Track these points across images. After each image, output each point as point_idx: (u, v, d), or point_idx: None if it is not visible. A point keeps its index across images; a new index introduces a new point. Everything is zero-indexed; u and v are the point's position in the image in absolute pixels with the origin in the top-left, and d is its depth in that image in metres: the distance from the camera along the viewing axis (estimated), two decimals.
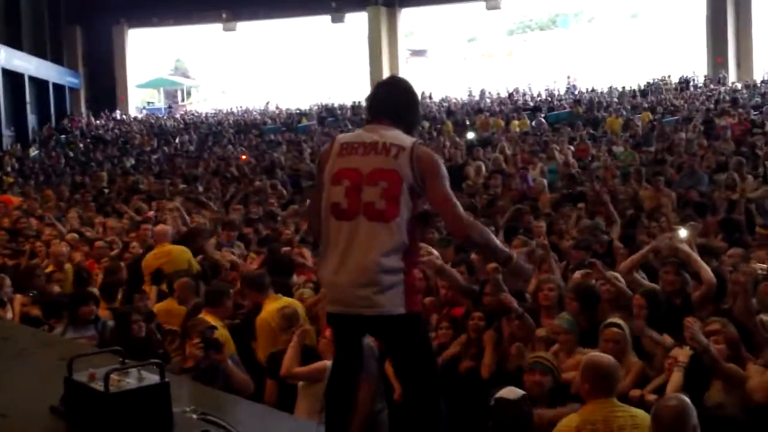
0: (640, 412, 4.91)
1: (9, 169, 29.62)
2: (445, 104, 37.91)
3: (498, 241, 4.11)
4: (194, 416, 3.48)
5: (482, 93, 39.79)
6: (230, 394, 5.28)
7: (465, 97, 40.15)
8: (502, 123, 28.94)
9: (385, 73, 42.80)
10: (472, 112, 33.57)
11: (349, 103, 40.40)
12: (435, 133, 27.77)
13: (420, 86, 43.01)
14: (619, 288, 6.75)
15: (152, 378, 3.30)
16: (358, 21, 44.67)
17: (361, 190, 3.67)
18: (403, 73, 44.41)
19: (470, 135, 26.88)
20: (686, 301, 6.63)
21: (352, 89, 44.73)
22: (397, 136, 3.80)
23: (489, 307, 6.73)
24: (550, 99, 35.90)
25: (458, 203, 3.90)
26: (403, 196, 3.66)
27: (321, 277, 3.98)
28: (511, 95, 37.99)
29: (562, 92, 38.32)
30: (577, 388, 5.24)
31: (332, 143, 3.87)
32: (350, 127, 33.27)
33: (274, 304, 7.17)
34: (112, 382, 3.21)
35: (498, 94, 39.15)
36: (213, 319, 6.93)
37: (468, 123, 30.03)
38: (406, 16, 45.21)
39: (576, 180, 14.58)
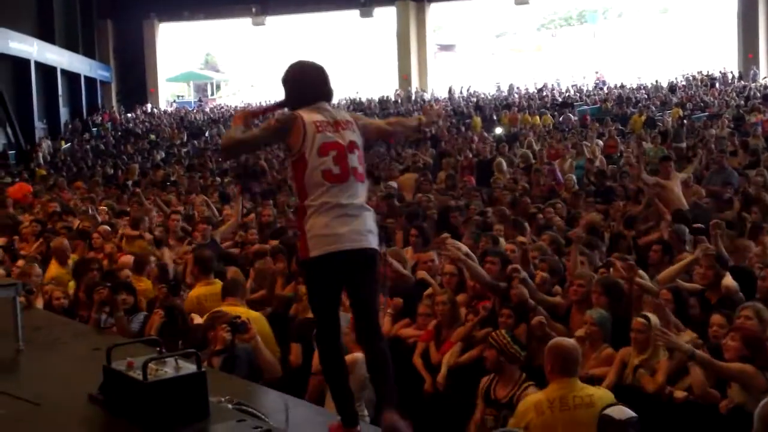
0: (599, 391, 5.19)
1: (41, 161, 29.93)
2: (474, 99, 37.87)
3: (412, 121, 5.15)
4: (229, 406, 3.55)
5: (510, 88, 39.70)
6: (262, 386, 5.36)
7: (493, 92, 40.07)
8: (530, 118, 28.90)
9: (414, 68, 42.83)
10: (501, 107, 33.51)
11: (377, 98, 40.41)
12: (463, 128, 27.77)
13: (448, 81, 43.07)
14: (642, 285, 6.76)
15: (189, 367, 3.36)
16: (386, 16, 44.65)
17: (346, 158, 4.35)
18: (431, 68, 44.42)
19: (498, 130, 26.88)
20: (722, 298, 6.63)
21: (381, 84, 44.75)
22: (340, 112, 4.60)
23: (515, 303, 6.78)
24: (578, 94, 35.78)
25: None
26: (363, 158, 4.51)
27: (322, 225, 4.29)
28: (539, 90, 37.88)
29: (591, 88, 38.16)
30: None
31: (299, 119, 4.40)
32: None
33: None
34: (150, 371, 3.27)
35: (526, 89, 39.04)
36: (239, 308, 7.07)
37: (496, 118, 29.99)
38: (435, 10, 45.15)
39: (604, 176, 14.57)
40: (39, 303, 8.27)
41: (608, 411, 4.67)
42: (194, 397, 3.32)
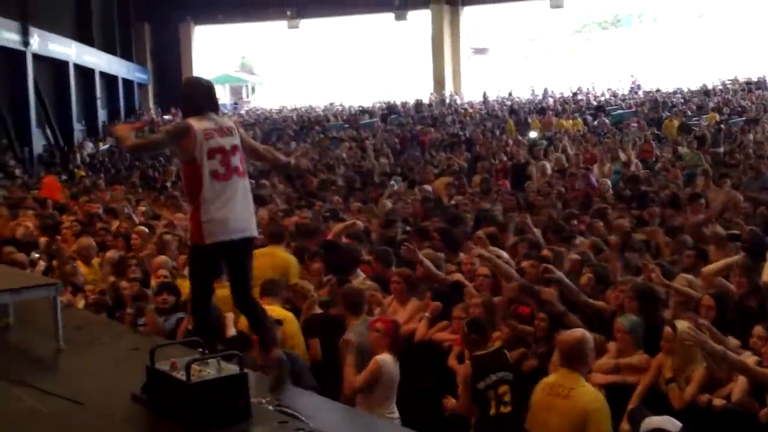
0: (585, 390, 5.39)
1: (80, 162, 30.23)
2: (508, 103, 37.77)
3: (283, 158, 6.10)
4: (270, 407, 3.59)
5: (545, 92, 39.55)
6: (300, 388, 5.40)
7: (528, 96, 39.94)
8: (565, 123, 28.77)
9: (447, 71, 42.80)
10: (535, 111, 33.41)
11: (411, 101, 40.41)
12: (498, 132, 27.72)
13: (482, 84, 43.00)
14: (680, 291, 6.72)
15: (231, 369, 3.40)
16: (420, 19, 44.66)
17: (229, 159, 5.18)
18: (465, 71, 44.36)
19: (533, 134, 26.80)
20: (762, 306, 6.59)
21: (415, 87, 44.75)
22: (225, 120, 5.40)
23: (550, 306, 6.76)
24: (613, 98, 35.57)
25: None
26: (244, 158, 5.34)
27: (212, 217, 5.09)
28: (574, 94, 37.70)
29: (626, 92, 37.91)
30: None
31: (191, 129, 5.16)
32: (413, 123, 33.42)
33: None
34: (193, 371, 3.31)
35: (561, 93, 38.87)
36: (274, 307, 7.11)
37: (530, 122, 29.90)
38: (469, 14, 45.06)
39: (640, 180, 14.49)
40: (80, 303, 8.38)
41: (658, 423, 4.71)
42: (236, 398, 3.36)
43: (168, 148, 5.79)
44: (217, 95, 5.56)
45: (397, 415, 6.38)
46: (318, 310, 7.66)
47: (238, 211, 5.16)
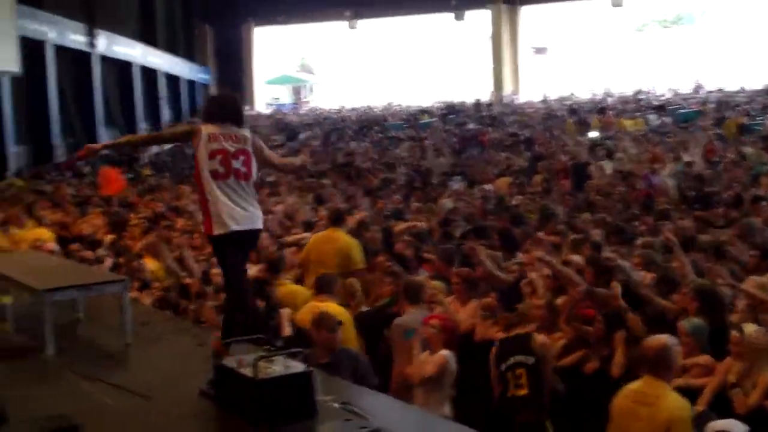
0: (673, 398, 5.19)
1: (145, 162, 30.68)
2: (568, 102, 37.48)
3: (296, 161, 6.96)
4: (335, 405, 3.63)
5: (605, 91, 39.15)
6: (362, 387, 5.45)
7: (588, 96, 39.58)
8: (626, 122, 28.45)
9: (507, 71, 42.61)
10: (595, 110, 33.10)
11: (470, 101, 40.30)
12: (558, 132, 27.53)
13: (541, 84, 42.72)
14: (749, 293, 6.63)
15: (297, 366, 3.45)
16: (479, 18, 44.52)
17: (230, 162, 5.67)
18: (524, 71, 44.12)
19: (593, 134, 26.55)
20: None
21: (474, 86, 44.62)
22: (240, 131, 5.84)
23: (610, 307, 6.73)
24: (675, 98, 35.08)
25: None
26: (251, 165, 5.74)
27: (222, 215, 5.56)
28: (635, 94, 37.26)
29: (688, 91, 37.37)
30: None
31: (198, 130, 5.78)
32: (472, 123, 33.33)
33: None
34: (260, 368, 3.37)
35: (621, 92, 38.44)
36: (330, 304, 7.21)
37: (591, 122, 29.64)
38: (528, 13, 44.77)
39: (703, 181, 14.31)
40: (147, 299, 8.55)
41: (722, 426, 4.67)
42: (302, 396, 3.40)
43: (176, 142, 6.10)
44: (238, 107, 6.09)
45: (449, 411, 6.43)
46: (364, 308, 7.76)
47: (235, 206, 5.62)
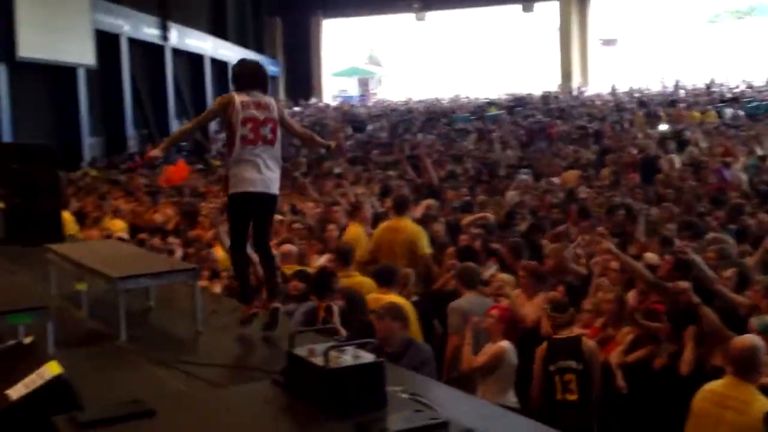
0: (763, 402, 4.95)
1: (215, 153, 31.09)
2: (637, 95, 36.96)
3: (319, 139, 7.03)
4: (404, 396, 3.67)
5: (676, 83, 38.52)
6: (427, 378, 5.48)
7: (658, 88, 38.98)
8: (698, 115, 27.97)
9: (575, 63, 42.18)
10: (666, 103, 32.58)
11: (538, 93, 40.00)
12: (627, 125, 27.19)
13: (610, 76, 42.18)
14: None
15: (368, 357, 3.49)
16: (548, 10, 44.15)
17: (259, 129, 6.15)
18: (593, 63, 43.62)
19: (663, 127, 26.16)
20: None
21: (542, 78, 44.27)
22: (266, 98, 6.30)
23: (681, 303, 6.64)
24: (749, 90, 34.35)
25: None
26: (276, 131, 6.25)
27: (236, 173, 6.14)
28: (707, 86, 36.57)
29: (762, 83, 36.54)
30: None
31: (233, 98, 6.17)
32: (539, 116, 33.07)
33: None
34: (331, 358, 3.42)
35: (693, 84, 37.77)
36: (391, 296, 7.27)
37: (661, 114, 29.18)
38: (597, 4, 44.29)
39: None
40: (218, 287, 8.67)
41: None
42: (373, 386, 3.44)
43: (215, 118, 6.78)
44: (265, 74, 6.56)
45: (515, 400, 6.44)
46: (414, 298, 7.82)
47: (259, 171, 6.15)
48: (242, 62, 6.64)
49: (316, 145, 7.12)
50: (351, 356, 3.51)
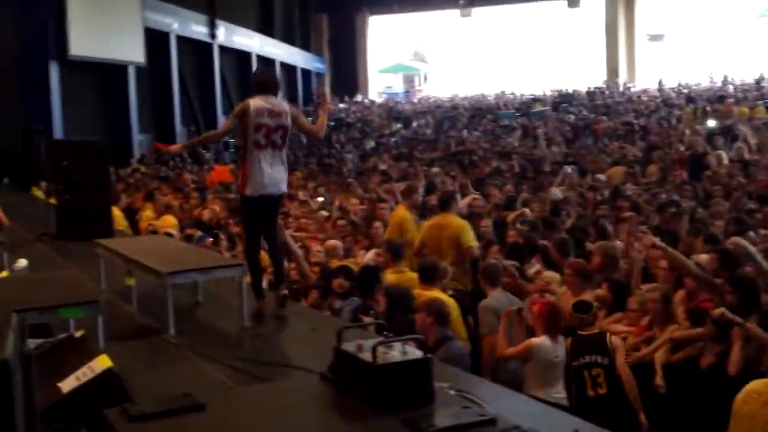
0: None
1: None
2: (685, 91, 36.54)
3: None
4: (451, 392, 3.68)
5: (725, 79, 38.00)
6: (472, 374, 5.48)
7: (706, 84, 38.49)
8: (747, 111, 27.58)
9: (622, 58, 41.80)
10: (714, 99, 32.17)
11: (584, 89, 39.70)
12: (674, 121, 26.91)
13: (658, 71, 41.72)
14: None
15: (415, 353, 3.51)
16: (594, 5, 43.77)
17: (270, 135, 6.85)
18: (640, 58, 43.17)
19: (711, 123, 25.84)
20: None
21: (588, 75, 43.91)
22: (280, 104, 6.99)
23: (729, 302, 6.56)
24: None
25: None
26: (287, 136, 6.96)
27: (255, 180, 6.85)
28: (757, 82, 36.01)
29: None
30: None
31: (248, 105, 6.87)
32: (585, 113, 32.84)
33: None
34: (379, 354, 3.44)
35: (742, 80, 37.22)
36: (435, 292, 7.30)
37: (709, 110, 28.83)
38: None
39: None
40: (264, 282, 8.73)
41: None
42: (421, 382, 3.46)
43: (238, 124, 7.08)
44: (278, 82, 7.34)
45: (563, 394, 6.45)
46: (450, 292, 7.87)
47: (268, 174, 6.85)
48: (260, 72, 7.59)
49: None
50: (399, 352, 3.52)
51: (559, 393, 6.44)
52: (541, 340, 6.44)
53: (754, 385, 4.95)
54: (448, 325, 6.55)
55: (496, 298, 7.50)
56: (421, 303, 6.77)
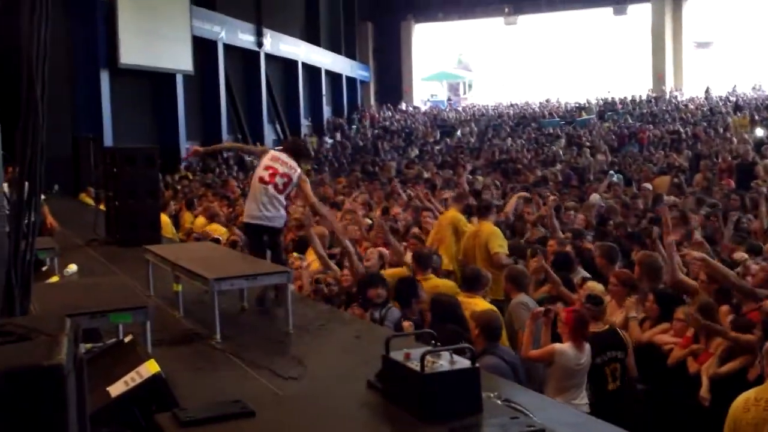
0: None
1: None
2: (733, 99, 36.10)
3: (324, 211, 9.08)
4: (498, 402, 3.67)
5: None
6: (518, 384, 5.46)
7: (755, 92, 38.01)
8: None
9: (668, 66, 41.38)
10: (763, 107, 31.75)
11: (629, 97, 39.37)
12: (721, 130, 26.60)
13: (705, 79, 41.25)
14: None
15: (463, 362, 3.51)
16: (640, 12, 43.41)
17: (274, 176, 8.08)
18: (686, 66, 42.71)
19: (759, 132, 25.51)
20: None
21: (633, 83, 43.54)
22: (292, 162, 8.24)
23: None
24: None
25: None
26: (288, 187, 8.17)
27: (249, 210, 8.26)
28: None
29: None
30: None
31: (267, 151, 8.62)
32: (631, 121, 32.57)
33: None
34: (427, 363, 3.44)
35: None
36: (477, 300, 7.31)
37: (758, 119, 28.46)
38: (692, 6, 43.39)
39: None
40: (306, 289, 8.79)
41: None
42: (469, 391, 3.45)
43: (254, 154, 9.16)
44: (299, 148, 8.94)
45: (584, 401, 6.43)
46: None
47: (255, 205, 8.09)
48: (290, 138, 8.34)
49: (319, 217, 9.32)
50: (447, 361, 3.52)
51: (577, 400, 6.44)
52: (564, 347, 6.47)
53: (747, 394, 4.97)
54: (497, 339, 6.50)
55: (524, 299, 7.60)
56: (473, 313, 6.79)
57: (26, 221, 3.71)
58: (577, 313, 6.75)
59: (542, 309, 6.90)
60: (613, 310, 7.57)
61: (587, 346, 6.55)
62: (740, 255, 8.03)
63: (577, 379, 6.48)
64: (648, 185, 15.43)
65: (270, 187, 7.99)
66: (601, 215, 11.69)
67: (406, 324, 7.02)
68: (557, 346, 6.50)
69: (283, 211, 8.21)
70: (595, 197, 13.61)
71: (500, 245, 9.25)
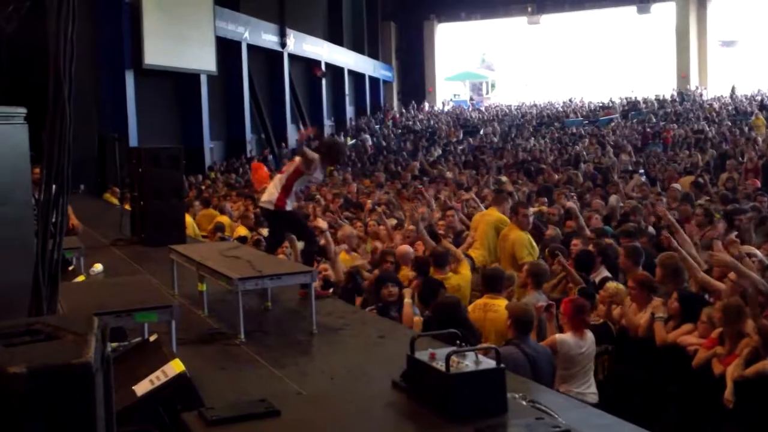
0: None
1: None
2: (758, 98, 35.85)
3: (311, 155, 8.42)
4: (523, 402, 3.66)
5: None
6: (541, 385, 5.44)
7: None
8: None
9: (693, 65, 41.10)
10: None
11: (653, 97, 39.17)
12: (747, 129, 26.42)
13: (729, 78, 40.96)
14: None
15: (489, 362, 3.50)
16: (664, 11, 43.18)
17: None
18: (711, 65, 42.43)
19: None
20: None
21: (657, 82, 43.32)
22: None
23: None
24: None
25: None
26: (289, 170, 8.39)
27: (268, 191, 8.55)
28: None
29: None
30: None
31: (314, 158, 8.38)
32: (654, 120, 32.39)
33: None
34: (452, 363, 3.44)
35: None
36: (498, 301, 7.30)
37: None
38: (716, 4, 43.10)
39: None
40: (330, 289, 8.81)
41: None
42: (494, 392, 3.44)
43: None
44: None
45: (591, 390, 6.45)
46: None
47: (268, 191, 8.48)
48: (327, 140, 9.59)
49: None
50: (472, 362, 3.51)
51: (583, 388, 6.48)
52: (565, 336, 6.59)
53: None
54: (527, 333, 6.48)
55: (537, 296, 7.60)
56: (508, 304, 6.93)
57: (53, 221, 3.74)
58: (574, 302, 6.82)
59: (544, 304, 6.96)
60: (635, 312, 7.53)
61: (589, 334, 6.65)
62: (747, 248, 8.00)
63: (580, 366, 6.57)
64: (677, 185, 15.35)
65: (279, 176, 8.51)
66: (625, 215, 11.64)
67: (416, 319, 7.18)
68: (558, 336, 6.63)
69: (280, 191, 8.21)
70: (614, 199, 13.54)
71: (529, 253, 9.20)
